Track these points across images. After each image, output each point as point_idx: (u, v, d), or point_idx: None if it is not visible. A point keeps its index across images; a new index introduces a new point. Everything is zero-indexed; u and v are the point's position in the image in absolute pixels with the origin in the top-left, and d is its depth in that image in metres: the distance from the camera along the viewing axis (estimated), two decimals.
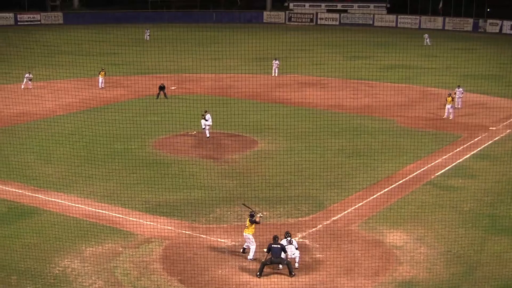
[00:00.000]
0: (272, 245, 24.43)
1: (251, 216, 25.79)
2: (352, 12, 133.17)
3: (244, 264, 25.37)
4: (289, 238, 25.01)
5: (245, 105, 48.79)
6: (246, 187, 33.38)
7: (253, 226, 25.71)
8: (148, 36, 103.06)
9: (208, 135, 43.02)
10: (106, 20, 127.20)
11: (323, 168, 36.63)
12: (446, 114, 49.59)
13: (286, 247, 24.56)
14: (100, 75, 60.89)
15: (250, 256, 25.81)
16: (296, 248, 25.04)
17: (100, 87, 60.27)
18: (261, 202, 31.41)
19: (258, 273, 24.35)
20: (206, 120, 42.82)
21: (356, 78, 65.72)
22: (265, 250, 24.85)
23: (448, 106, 49.49)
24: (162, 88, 56.19)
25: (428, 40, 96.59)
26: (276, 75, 68.60)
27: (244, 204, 27.43)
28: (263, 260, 24.65)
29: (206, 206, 31.02)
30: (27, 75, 60.39)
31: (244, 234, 25.91)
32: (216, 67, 62.74)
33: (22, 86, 59.92)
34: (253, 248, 25.76)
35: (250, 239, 25.78)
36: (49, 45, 79.28)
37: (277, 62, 69.30)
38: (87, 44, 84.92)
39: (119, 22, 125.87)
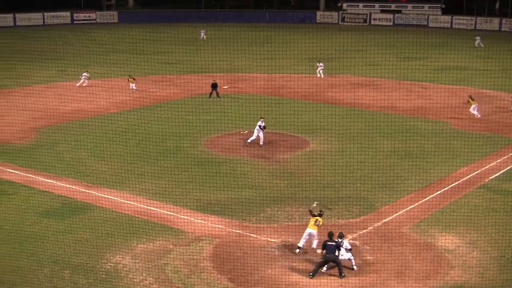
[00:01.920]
0: (328, 243, 24.27)
1: (317, 214, 26.33)
2: (406, 12, 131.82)
3: (294, 264, 25.33)
4: (340, 240, 24.84)
5: (297, 105, 48.85)
6: (297, 187, 33.33)
7: (314, 221, 26.14)
8: (204, 36, 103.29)
9: (262, 143, 41.79)
10: (160, 19, 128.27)
11: (374, 169, 36.45)
12: (477, 114, 49.41)
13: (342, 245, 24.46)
14: (129, 81, 59.14)
15: (314, 245, 26.24)
16: (349, 250, 24.88)
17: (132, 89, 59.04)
18: (311, 203, 31.30)
19: (311, 274, 24.20)
20: (262, 129, 41.55)
21: (409, 79, 65.11)
22: (320, 251, 24.79)
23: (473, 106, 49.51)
24: (214, 86, 56.29)
25: (480, 41, 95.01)
26: (321, 76, 67.93)
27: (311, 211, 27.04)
28: (320, 261, 24.50)
29: (257, 206, 31.08)
30: (85, 74, 61.10)
31: (308, 229, 26.12)
32: (268, 66, 62.78)
33: (77, 84, 60.76)
34: (315, 242, 26.25)
35: (314, 235, 26.09)
36: (104, 44, 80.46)
37: (321, 64, 68.61)
38: (141, 43, 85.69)
39: (172, 21, 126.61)
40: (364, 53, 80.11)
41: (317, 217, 26.23)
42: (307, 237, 26.04)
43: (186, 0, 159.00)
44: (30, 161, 37.64)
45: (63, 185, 34.06)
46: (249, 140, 41.62)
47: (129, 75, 59.19)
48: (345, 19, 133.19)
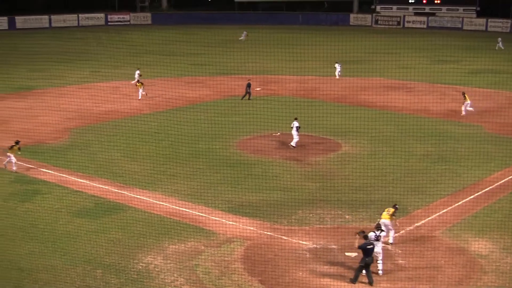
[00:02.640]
0: (367, 246, 24.03)
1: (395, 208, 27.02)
2: (441, 15, 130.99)
3: (325, 267, 25.26)
4: (378, 233, 24.63)
5: (329, 108, 48.72)
6: (329, 189, 33.24)
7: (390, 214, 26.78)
8: (244, 38, 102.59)
9: (294, 145, 41.57)
10: (193, 21, 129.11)
11: (407, 173, 36.26)
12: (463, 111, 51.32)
13: (374, 243, 24.22)
14: (138, 87, 57.42)
15: (391, 240, 26.63)
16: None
17: (140, 98, 56.84)
18: (343, 206, 31.26)
19: (352, 280, 23.94)
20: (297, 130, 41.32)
21: (443, 82, 64.67)
22: (352, 254, 24.64)
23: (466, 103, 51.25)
24: (248, 86, 56.24)
25: (501, 44, 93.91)
26: (339, 76, 67.79)
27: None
28: (359, 265, 24.23)
29: (288, 208, 31.07)
30: (137, 71, 61.55)
31: (381, 220, 26.44)
32: (300, 69, 62.76)
33: (133, 82, 61.21)
34: (392, 233, 26.64)
35: (388, 225, 26.48)
36: (137, 45, 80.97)
37: (339, 65, 68.54)
38: (174, 44, 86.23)
39: (205, 22, 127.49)
40: (397, 56, 79.78)
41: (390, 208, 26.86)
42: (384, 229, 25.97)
43: (219, 2, 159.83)
44: (64, 161, 38.07)
45: (96, 185, 34.37)
46: (293, 144, 41.24)
47: (137, 80, 58.75)
48: (379, 22, 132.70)
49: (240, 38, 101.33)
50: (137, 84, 57.65)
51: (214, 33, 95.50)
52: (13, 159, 36.58)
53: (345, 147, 41.96)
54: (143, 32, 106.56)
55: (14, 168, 36.57)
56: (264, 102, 52.15)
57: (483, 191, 33.93)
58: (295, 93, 58.82)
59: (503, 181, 35.60)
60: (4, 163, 37.18)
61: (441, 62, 78.66)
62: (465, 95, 51.32)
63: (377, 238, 24.43)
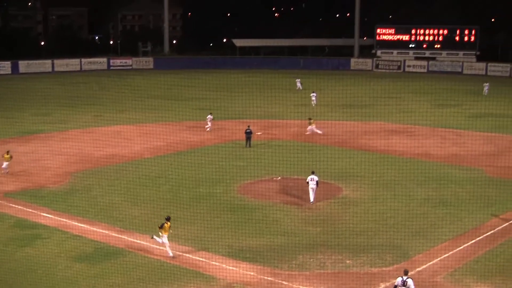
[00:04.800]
0: None
1: None
2: (441, 59, 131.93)
3: None
4: (405, 278, 24.41)
5: (331, 152, 48.70)
6: (330, 234, 33.10)
7: None
8: (300, 86, 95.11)
9: (312, 200, 39.15)
10: (196, 65, 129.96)
11: (408, 217, 36.08)
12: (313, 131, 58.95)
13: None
14: (3, 158, 45.98)
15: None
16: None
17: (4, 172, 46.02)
18: (344, 250, 31.07)
19: None
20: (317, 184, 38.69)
21: (444, 126, 64.75)
22: None
23: (310, 127, 59.21)
24: (248, 133, 55.38)
25: (486, 89, 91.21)
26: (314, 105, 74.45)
27: None
28: None
29: (289, 253, 30.88)
30: (209, 116, 61.99)
31: None
32: (302, 113, 62.98)
33: (207, 127, 62.06)
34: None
35: None
36: (139, 89, 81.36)
37: (314, 94, 75.80)
38: (176, 88, 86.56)
39: (207, 67, 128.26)
40: (398, 100, 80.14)
41: None
42: None
43: (221, 47, 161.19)
44: (65, 206, 37.99)
45: (96, 229, 34.21)
46: (312, 200, 38.80)
47: (7, 152, 46.65)
48: (379, 66, 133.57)
49: (297, 88, 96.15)
50: (5, 155, 45.93)
51: (216, 78, 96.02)
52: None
53: (346, 191, 41.84)
54: (146, 76, 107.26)
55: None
56: (265, 147, 52.22)
57: (485, 235, 33.72)
58: (297, 138, 58.88)
59: (504, 225, 35.39)
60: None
61: (442, 106, 78.87)
62: (311, 120, 59.81)
63: (404, 284, 24.20)
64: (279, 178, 44.22)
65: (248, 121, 60.50)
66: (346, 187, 42.52)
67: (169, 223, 30.45)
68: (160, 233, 30.28)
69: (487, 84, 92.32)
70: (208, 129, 61.24)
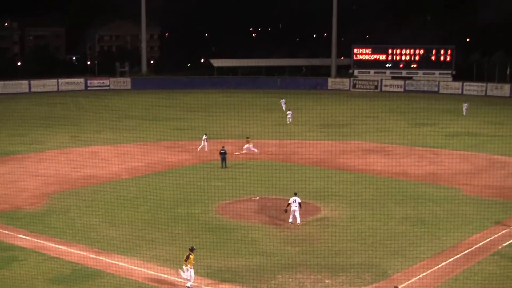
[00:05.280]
0: None
1: None
2: (417, 79, 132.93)
3: None
4: None
5: (309, 172, 48.81)
6: (309, 254, 33.11)
7: None
8: (284, 106, 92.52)
9: (298, 221, 38.77)
10: (173, 86, 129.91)
11: (386, 236, 36.18)
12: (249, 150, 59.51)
13: None
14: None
15: None
16: None
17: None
18: (323, 270, 31.07)
19: None
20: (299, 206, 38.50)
21: (421, 145, 65.14)
22: None
23: (246, 145, 59.38)
24: (223, 154, 54.96)
25: (465, 109, 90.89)
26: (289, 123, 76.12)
27: None
28: None
29: (268, 273, 30.81)
30: (204, 137, 61.76)
31: None
32: (280, 133, 63.05)
33: (199, 148, 61.44)
34: None
35: None
36: (117, 109, 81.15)
37: (290, 112, 78.22)
38: (154, 109, 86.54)
39: (185, 87, 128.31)
40: (375, 119, 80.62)
41: None
42: None
43: (198, 67, 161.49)
44: (42, 227, 37.68)
45: (74, 251, 33.95)
46: (298, 221, 38.43)
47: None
48: (356, 86, 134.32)
49: (284, 110, 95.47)
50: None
51: (194, 98, 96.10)
52: None
53: (324, 210, 41.89)
54: (123, 96, 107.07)
55: None
56: (243, 167, 52.22)
57: (463, 253, 33.88)
58: (275, 157, 58.95)
59: (482, 243, 35.58)
60: None
61: (419, 125, 79.37)
62: (248, 138, 60.04)
63: None
64: (258, 198, 44.19)
65: (225, 141, 60.55)
66: (324, 207, 42.58)
67: (193, 254, 29.17)
68: (185, 266, 28.94)
69: (466, 104, 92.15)
70: (205, 149, 60.95)
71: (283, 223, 38.98)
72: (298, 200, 38.35)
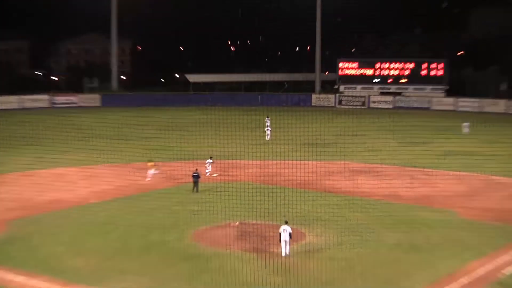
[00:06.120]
0: None
1: None
2: (407, 94, 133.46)
3: None
4: None
5: (292, 194, 48.44)
6: (292, 284, 32.74)
7: None
8: (268, 124, 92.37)
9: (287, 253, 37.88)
10: (146, 102, 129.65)
11: (377, 264, 35.91)
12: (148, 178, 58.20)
13: None
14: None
15: None
16: None
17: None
18: None
19: None
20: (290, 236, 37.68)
21: (412, 165, 64.93)
22: None
23: (150, 171, 58.48)
24: (196, 177, 54.05)
25: (466, 128, 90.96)
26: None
27: None
28: None
29: None
30: (208, 160, 61.28)
31: None
32: (262, 153, 62.65)
33: (207, 171, 61.03)
34: None
35: None
36: (85, 128, 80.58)
37: (269, 129, 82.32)
38: (125, 127, 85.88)
39: (159, 104, 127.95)
40: (363, 138, 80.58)
41: None
42: None
43: (173, 82, 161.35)
44: (1, 257, 37.08)
45: (37, 282, 33.35)
46: (287, 253, 37.49)
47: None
48: (342, 102, 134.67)
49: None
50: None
51: (168, 116, 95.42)
52: None
53: (309, 236, 41.52)
54: (92, 114, 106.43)
55: None
56: (222, 189, 51.73)
57: (459, 282, 33.65)
58: (256, 179, 58.51)
59: (480, 271, 35.37)
60: None
61: (410, 144, 79.29)
62: (150, 163, 59.34)
63: None
64: (237, 223, 43.77)
65: (201, 163, 60.06)
66: (309, 232, 42.22)
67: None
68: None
69: (467, 123, 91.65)
70: (207, 174, 60.28)
71: (265, 250, 38.54)
72: (288, 229, 37.51)
